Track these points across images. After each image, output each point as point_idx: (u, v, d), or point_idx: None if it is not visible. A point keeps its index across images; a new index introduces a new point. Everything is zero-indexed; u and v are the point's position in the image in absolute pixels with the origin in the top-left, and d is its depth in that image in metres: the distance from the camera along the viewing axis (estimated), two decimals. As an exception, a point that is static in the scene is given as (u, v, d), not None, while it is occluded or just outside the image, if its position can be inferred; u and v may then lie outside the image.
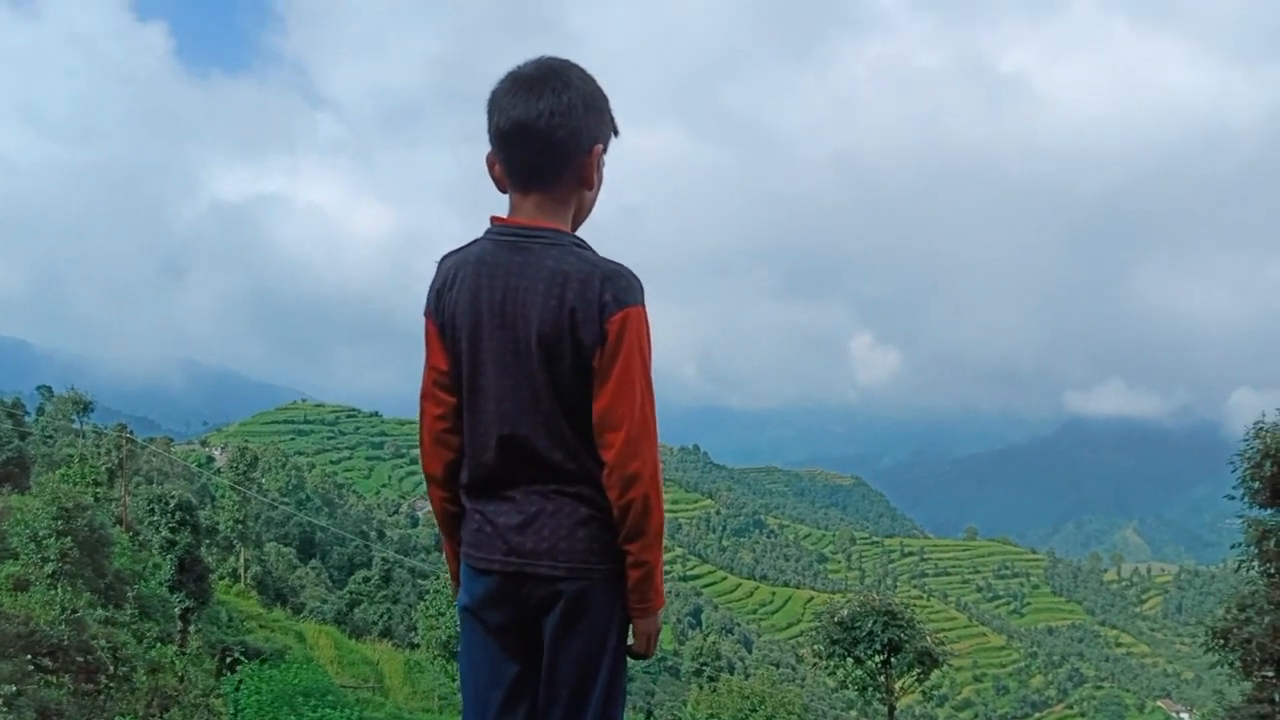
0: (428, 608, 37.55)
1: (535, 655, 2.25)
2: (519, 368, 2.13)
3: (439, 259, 2.28)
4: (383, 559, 54.97)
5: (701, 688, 31.07)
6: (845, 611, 15.82)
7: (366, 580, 50.69)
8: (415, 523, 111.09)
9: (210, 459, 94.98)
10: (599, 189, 2.28)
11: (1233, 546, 13.18)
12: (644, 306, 2.13)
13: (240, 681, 19.30)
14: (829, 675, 17.00)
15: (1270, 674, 12.86)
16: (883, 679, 15.92)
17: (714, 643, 52.11)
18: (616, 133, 2.27)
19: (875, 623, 15.38)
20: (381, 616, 47.30)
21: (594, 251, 2.18)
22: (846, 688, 16.84)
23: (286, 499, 71.39)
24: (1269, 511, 12.89)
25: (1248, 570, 13.07)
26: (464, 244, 2.25)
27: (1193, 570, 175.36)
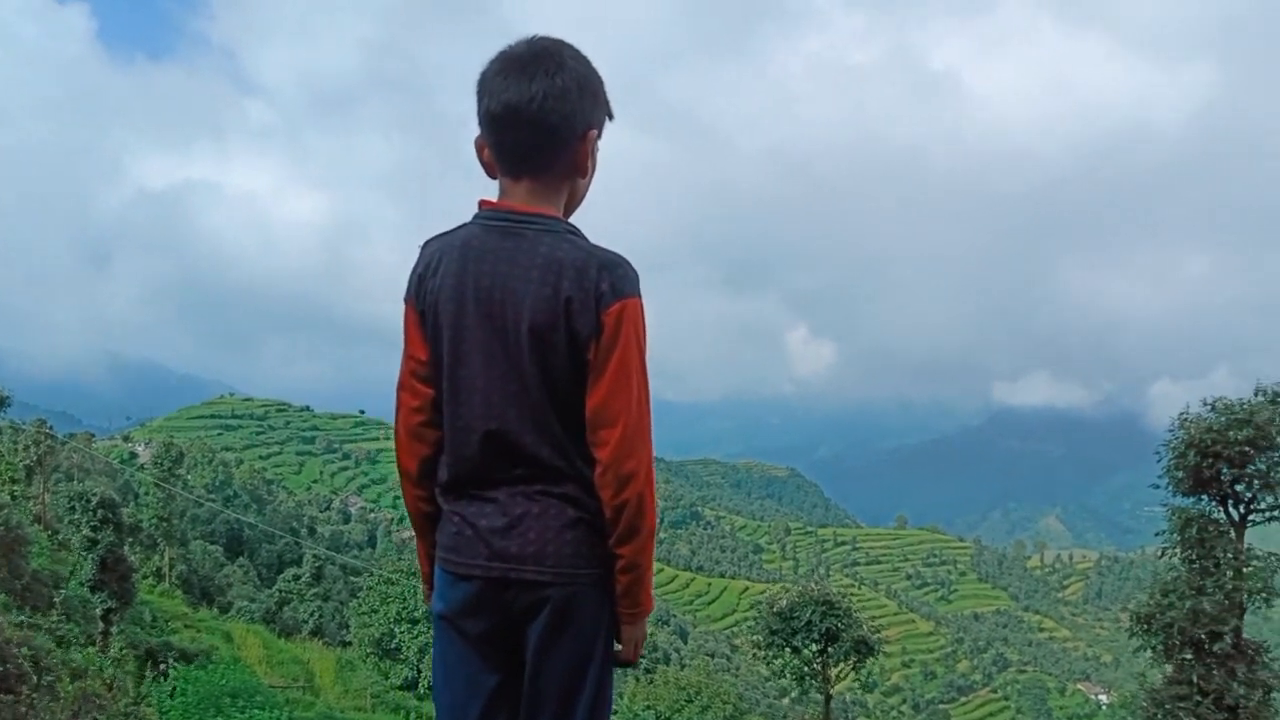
0: (360, 605, 37.00)
1: (516, 665, 2.13)
2: (507, 359, 2.01)
3: (422, 243, 2.14)
4: (314, 556, 53.94)
5: (638, 679, 31.13)
6: (784, 602, 15.97)
7: (297, 578, 49.66)
8: (347, 519, 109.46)
9: (133, 455, 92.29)
10: (593, 175, 2.17)
11: (1157, 534, 13.57)
12: (640, 297, 2.02)
13: (175, 689, 18.76)
14: (766, 665, 17.14)
15: (1189, 657, 13.28)
16: (820, 667, 16.11)
17: (650, 634, 52.32)
18: (611, 116, 2.15)
19: (814, 612, 15.54)
20: (312, 615, 46.45)
21: (587, 239, 2.07)
22: (784, 677, 17.00)
23: (213, 495, 69.85)
24: (1191, 500, 13.31)
25: (1170, 557, 13.47)
26: (449, 228, 2.13)
27: (1113, 556, 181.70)
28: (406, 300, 2.13)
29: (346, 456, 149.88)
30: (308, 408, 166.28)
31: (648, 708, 21.76)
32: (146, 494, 45.56)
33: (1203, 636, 12.82)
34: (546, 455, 2.03)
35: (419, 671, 33.48)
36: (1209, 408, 13.20)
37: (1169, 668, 13.61)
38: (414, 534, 2.30)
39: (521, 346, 2.00)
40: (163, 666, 20.20)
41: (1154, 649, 13.39)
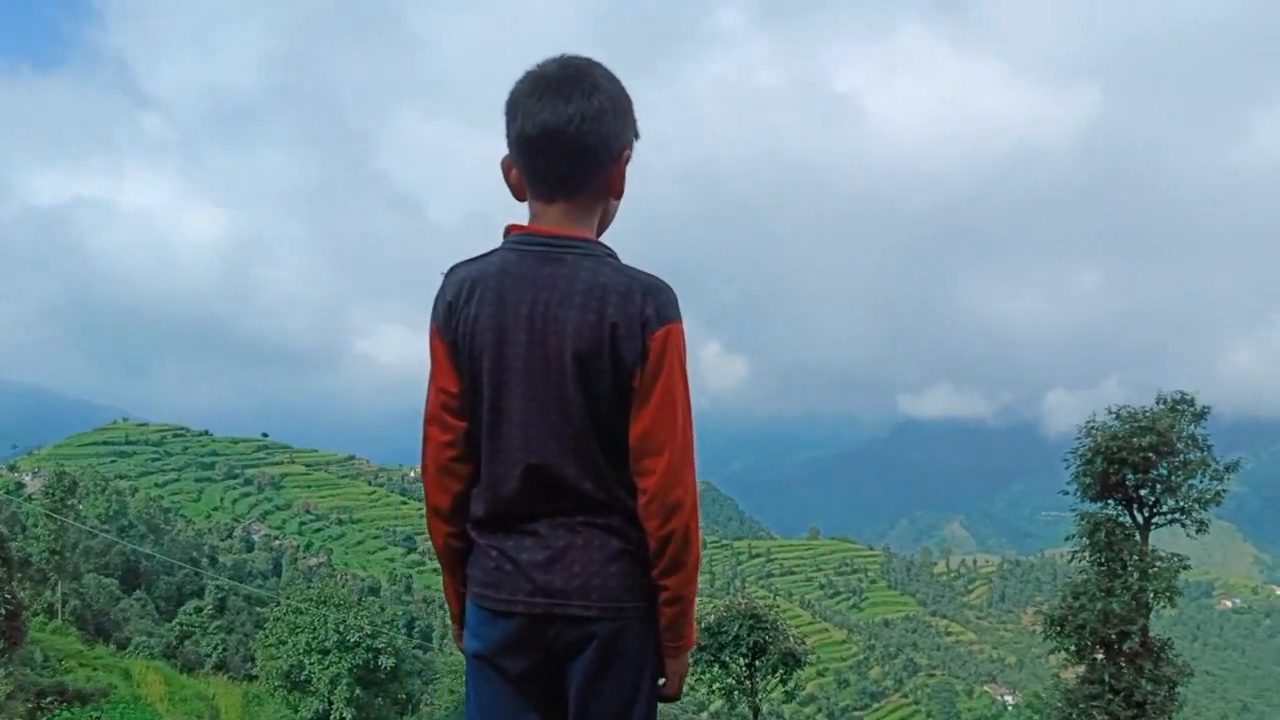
0: (266, 637, 35.65)
1: (557, 703, 2.04)
2: (548, 388, 1.94)
3: (446, 270, 2.05)
4: (216, 587, 52.01)
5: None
6: (712, 617, 15.94)
7: (199, 610, 47.84)
8: (251, 547, 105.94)
9: (20, 485, 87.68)
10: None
11: (1067, 538, 14.03)
12: (682, 321, 1.97)
13: None
14: (695, 680, 17.05)
15: (1101, 656, 13.76)
16: (748, 681, 16.12)
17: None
18: (638, 135, 2.11)
19: (741, 626, 15.56)
20: (216, 648, 44.77)
21: (622, 261, 2.01)
22: (713, 694, 16.95)
23: (107, 526, 66.73)
24: (1098, 505, 13.80)
25: (1080, 560, 13.93)
26: (477, 254, 2.04)
27: (1014, 561, 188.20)
28: (434, 331, 2.03)
29: (249, 482, 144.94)
30: (207, 432, 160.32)
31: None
32: (36, 526, 43.29)
33: (1113, 636, 13.29)
34: (589, 488, 1.96)
35: (330, 704, 32.44)
36: (1114, 416, 13.72)
37: (1082, 668, 14.06)
38: (443, 571, 2.18)
39: (565, 374, 1.93)
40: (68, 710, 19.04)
41: (1067, 650, 13.82)
